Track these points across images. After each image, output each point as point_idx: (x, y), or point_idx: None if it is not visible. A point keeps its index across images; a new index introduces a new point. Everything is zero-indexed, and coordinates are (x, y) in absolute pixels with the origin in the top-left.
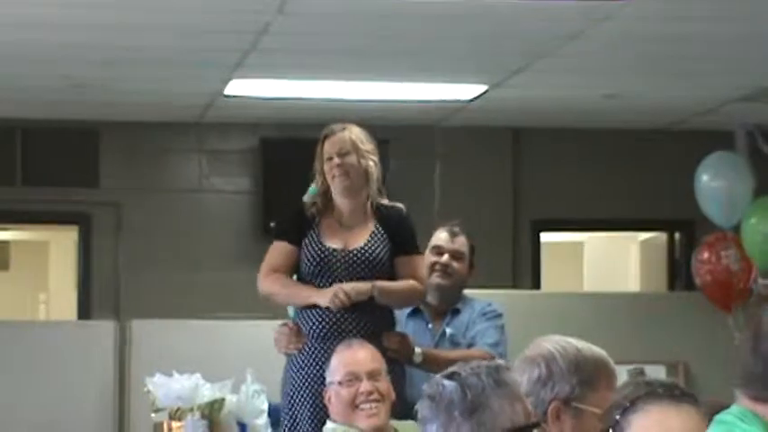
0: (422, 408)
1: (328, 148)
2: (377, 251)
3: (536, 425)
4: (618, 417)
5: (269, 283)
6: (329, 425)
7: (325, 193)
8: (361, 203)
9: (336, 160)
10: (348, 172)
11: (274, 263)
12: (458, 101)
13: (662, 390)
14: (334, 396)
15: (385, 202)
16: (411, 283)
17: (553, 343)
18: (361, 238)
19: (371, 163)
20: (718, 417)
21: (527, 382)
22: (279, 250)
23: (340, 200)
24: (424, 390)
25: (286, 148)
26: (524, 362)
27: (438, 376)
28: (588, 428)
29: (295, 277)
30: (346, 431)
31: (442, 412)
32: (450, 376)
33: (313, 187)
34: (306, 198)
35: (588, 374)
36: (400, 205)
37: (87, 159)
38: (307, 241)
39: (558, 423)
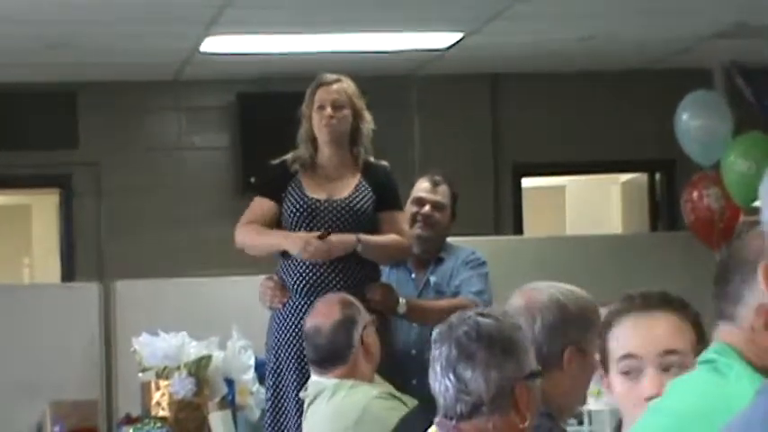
0: (452, 345)
1: (323, 95)
2: (361, 203)
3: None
4: (602, 336)
5: (243, 233)
6: None
7: (312, 140)
8: (347, 156)
9: (329, 110)
10: (339, 123)
11: (252, 217)
12: (434, 49)
13: (639, 300)
14: None
15: (371, 159)
16: (397, 237)
17: (556, 289)
18: (346, 189)
19: (365, 122)
20: (700, 357)
21: (541, 328)
22: (259, 205)
23: (326, 150)
24: (449, 328)
25: (263, 103)
26: (531, 309)
27: (466, 314)
28: (592, 370)
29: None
30: None
31: (483, 349)
32: (483, 315)
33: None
34: (290, 155)
35: (591, 319)
36: (385, 163)
37: (66, 121)
38: (289, 192)
39: (570, 368)
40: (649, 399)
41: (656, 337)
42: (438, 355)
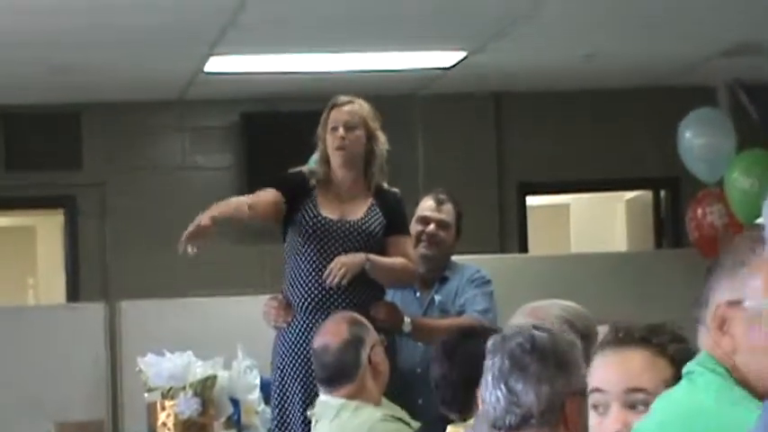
0: (505, 356)
1: (336, 116)
2: (373, 225)
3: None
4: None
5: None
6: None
7: (327, 162)
8: (361, 178)
9: (341, 132)
10: (352, 145)
11: (253, 198)
12: (437, 68)
13: (619, 334)
14: None
15: (384, 185)
16: (404, 261)
17: (560, 307)
18: (359, 211)
19: (380, 146)
20: (684, 369)
21: None
22: (263, 191)
23: (340, 171)
24: (503, 339)
25: (267, 123)
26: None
27: (521, 326)
28: None
29: (287, 247)
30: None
31: (536, 362)
32: (538, 328)
33: (315, 157)
34: (306, 168)
35: (594, 335)
36: (396, 189)
37: (70, 142)
38: (306, 207)
39: None
40: None
41: (623, 374)
42: (490, 365)
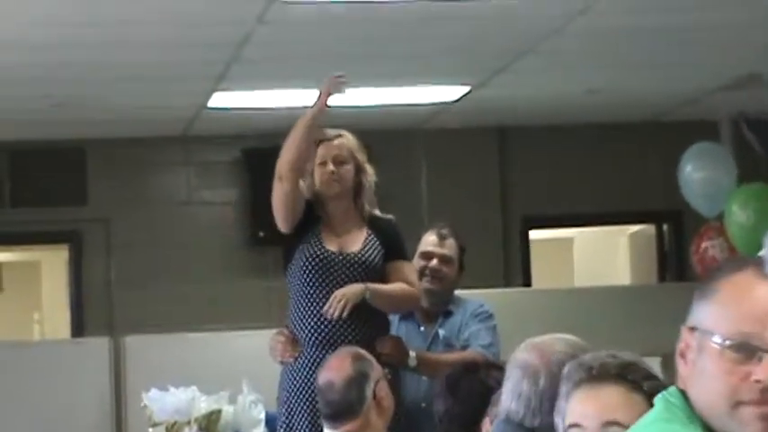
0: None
1: (324, 151)
2: (371, 256)
3: None
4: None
5: (280, 161)
6: None
7: (317, 196)
8: (352, 209)
9: (331, 167)
10: (341, 179)
11: None
12: (441, 103)
13: (595, 371)
14: None
15: (377, 212)
16: (404, 286)
17: (564, 342)
18: (357, 243)
19: (367, 176)
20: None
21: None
22: None
23: (330, 204)
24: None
25: (270, 158)
26: (549, 364)
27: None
28: None
29: (291, 280)
30: None
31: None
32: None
33: None
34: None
35: None
36: (390, 216)
37: (75, 177)
38: (311, 238)
39: None
40: None
41: (600, 408)
42: (564, 392)
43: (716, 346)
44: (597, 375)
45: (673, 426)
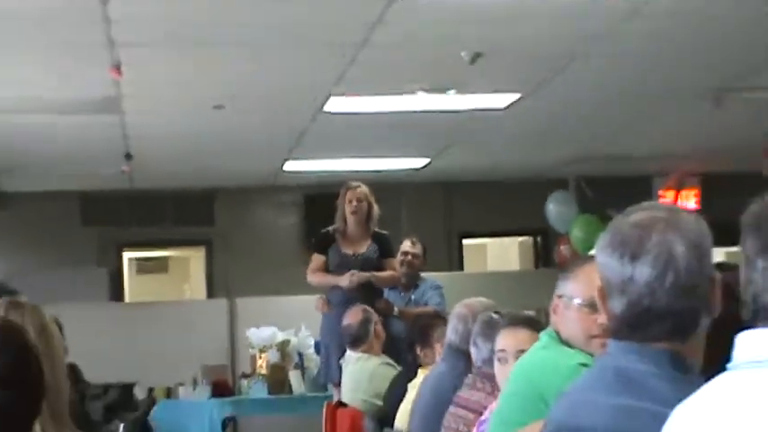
0: None
1: (350, 196)
2: (372, 255)
3: None
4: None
5: (313, 278)
6: None
7: (344, 220)
8: (364, 228)
9: (355, 204)
10: (359, 211)
11: (314, 267)
12: (413, 168)
13: (509, 319)
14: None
15: (377, 230)
16: (392, 273)
17: (480, 303)
18: (363, 247)
19: (374, 210)
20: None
21: (477, 324)
22: (317, 259)
23: (352, 225)
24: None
25: (317, 200)
26: (474, 312)
27: None
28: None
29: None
30: None
31: None
32: None
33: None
34: (330, 228)
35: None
36: (386, 232)
37: (207, 209)
38: (332, 248)
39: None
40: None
41: (516, 341)
42: (478, 331)
43: (576, 305)
44: (513, 322)
45: (551, 349)
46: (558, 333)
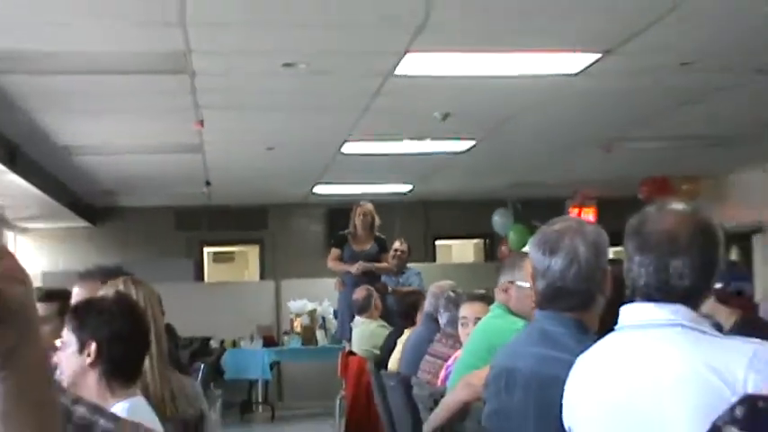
0: None
1: (359, 210)
2: (373, 252)
3: None
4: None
5: (332, 265)
6: None
7: (355, 227)
8: (370, 233)
9: (362, 217)
10: (367, 221)
11: (333, 258)
12: (399, 192)
13: (451, 295)
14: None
15: (377, 234)
16: (387, 264)
17: (449, 284)
18: (367, 246)
19: (376, 220)
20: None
21: (444, 300)
22: (334, 253)
23: (360, 231)
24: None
25: (338, 214)
26: (443, 291)
27: None
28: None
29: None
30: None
31: None
32: None
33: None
34: (345, 231)
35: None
36: (383, 236)
37: (262, 218)
38: (347, 246)
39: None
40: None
41: (473, 311)
42: (445, 303)
43: (523, 287)
44: (472, 298)
45: (502, 318)
46: (507, 306)
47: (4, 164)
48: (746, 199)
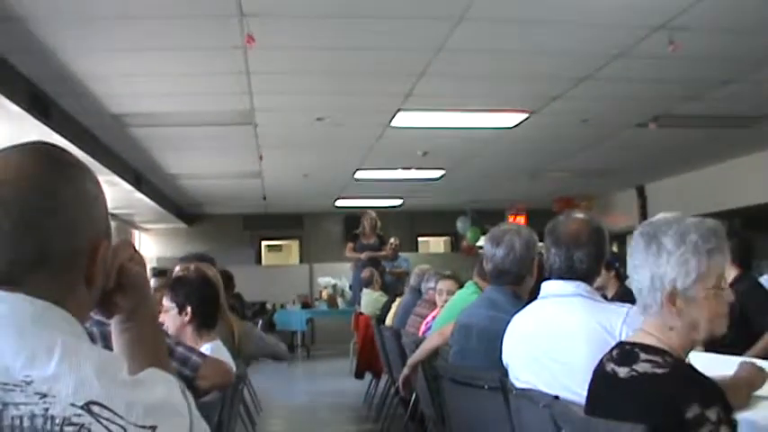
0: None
1: (367, 217)
2: (376, 244)
3: None
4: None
5: (348, 254)
6: None
7: (364, 228)
8: (373, 231)
9: (368, 221)
10: (371, 224)
11: (349, 248)
12: (395, 205)
13: (440, 275)
14: None
15: (378, 232)
16: (385, 253)
17: (433, 269)
18: (372, 240)
19: (378, 223)
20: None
21: (424, 280)
22: (349, 245)
23: (367, 230)
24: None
25: (352, 220)
26: (425, 273)
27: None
28: None
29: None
30: None
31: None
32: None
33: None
34: (358, 230)
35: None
36: (382, 233)
37: (298, 222)
38: (358, 241)
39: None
40: (442, 306)
41: (445, 286)
42: (426, 280)
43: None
44: (444, 277)
45: (475, 294)
46: (478, 285)
47: (133, 185)
48: (623, 211)
